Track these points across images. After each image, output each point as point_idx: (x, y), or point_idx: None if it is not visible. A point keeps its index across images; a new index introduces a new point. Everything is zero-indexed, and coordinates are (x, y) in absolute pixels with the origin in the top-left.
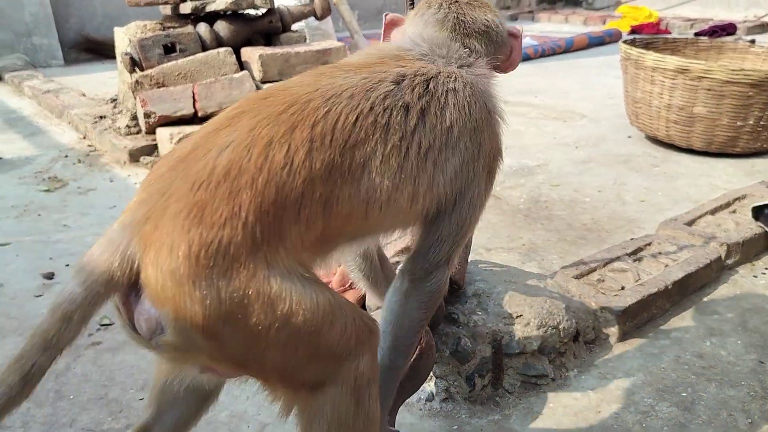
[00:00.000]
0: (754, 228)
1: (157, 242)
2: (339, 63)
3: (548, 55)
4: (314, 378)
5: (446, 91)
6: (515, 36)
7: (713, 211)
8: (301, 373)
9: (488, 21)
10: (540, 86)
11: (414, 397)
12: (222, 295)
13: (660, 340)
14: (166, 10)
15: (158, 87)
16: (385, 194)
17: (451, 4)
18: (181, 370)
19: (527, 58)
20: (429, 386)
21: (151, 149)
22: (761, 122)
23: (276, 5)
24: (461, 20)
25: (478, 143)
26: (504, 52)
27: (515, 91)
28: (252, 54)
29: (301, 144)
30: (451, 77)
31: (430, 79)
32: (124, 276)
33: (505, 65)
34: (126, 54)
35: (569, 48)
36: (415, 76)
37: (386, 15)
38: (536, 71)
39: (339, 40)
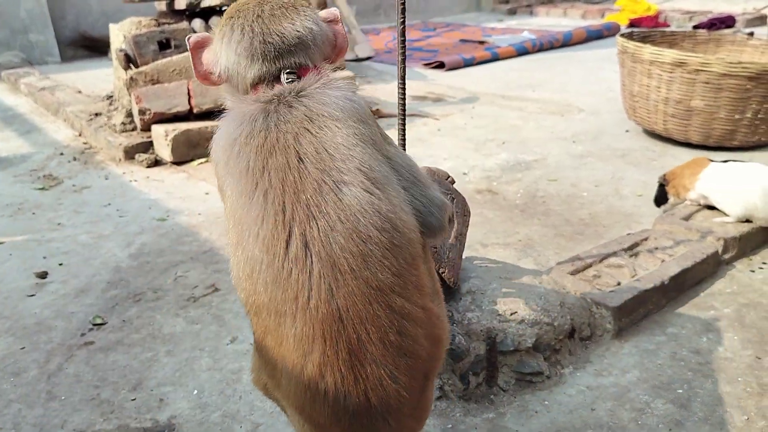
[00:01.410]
0: (750, 222)
1: None
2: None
3: (546, 49)
4: None
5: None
6: (334, 21)
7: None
8: None
9: (299, 30)
10: (538, 80)
11: None
12: None
13: (656, 336)
14: (161, 6)
15: (153, 83)
16: None
17: (253, 23)
18: None
19: (525, 52)
20: None
21: (147, 146)
22: (759, 115)
23: None
24: (269, 43)
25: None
26: (329, 43)
27: (514, 85)
28: None
29: None
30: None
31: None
32: None
33: (333, 55)
34: (120, 50)
35: (567, 42)
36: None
37: (189, 38)
38: (534, 65)
39: None
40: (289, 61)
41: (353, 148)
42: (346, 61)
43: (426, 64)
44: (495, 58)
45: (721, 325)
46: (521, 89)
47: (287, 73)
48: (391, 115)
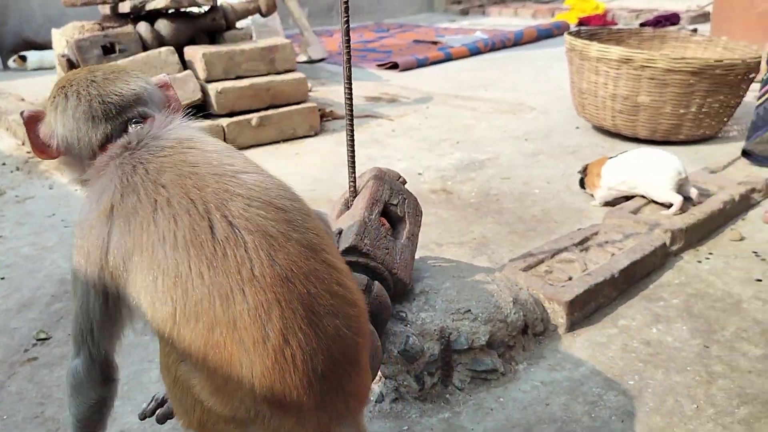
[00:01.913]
0: (697, 214)
1: None
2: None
3: (498, 49)
4: None
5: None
6: (165, 86)
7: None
8: None
9: (134, 89)
10: (490, 80)
11: None
12: None
13: (607, 329)
14: (105, 9)
15: None
16: None
17: (88, 87)
18: None
19: (478, 52)
20: (378, 387)
21: None
22: (703, 109)
23: (219, 3)
24: (109, 102)
25: None
26: (164, 106)
27: (467, 85)
28: (195, 53)
29: None
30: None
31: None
32: None
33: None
34: (63, 56)
35: (519, 41)
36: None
37: (22, 113)
38: (487, 65)
39: (288, 37)
40: (132, 113)
41: (230, 151)
42: (299, 63)
43: (380, 65)
44: (448, 59)
45: (670, 316)
46: (474, 89)
47: (134, 122)
48: (345, 117)
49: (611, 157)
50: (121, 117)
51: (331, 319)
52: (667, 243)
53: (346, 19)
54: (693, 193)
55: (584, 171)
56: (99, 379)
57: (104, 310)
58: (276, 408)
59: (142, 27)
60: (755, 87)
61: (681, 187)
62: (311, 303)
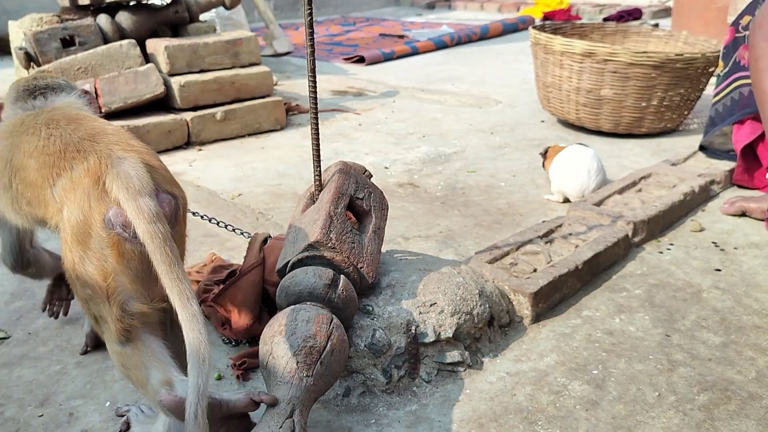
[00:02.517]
0: (658, 205)
1: (148, 156)
2: None
3: (464, 43)
4: None
5: None
6: (84, 92)
7: (620, 191)
8: None
9: (48, 82)
10: (457, 74)
11: (330, 394)
12: None
13: (572, 319)
14: (65, 1)
15: None
16: None
17: (18, 85)
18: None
19: (444, 46)
20: (346, 381)
21: None
22: (664, 102)
23: None
24: (27, 89)
25: None
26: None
27: (433, 79)
28: (158, 46)
29: None
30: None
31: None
32: None
33: None
34: (20, 49)
35: (485, 35)
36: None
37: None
38: (453, 59)
39: (253, 30)
40: (41, 92)
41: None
42: (264, 56)
43: (346, 59)
44: (414, 52)
45: (632, 306)
46: (441, 82)
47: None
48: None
49: (563, 147)
50: (32, 96)
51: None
52: (630, 234)
53: (309, 11)
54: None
55: (545, 154)
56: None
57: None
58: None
59: (103, 19)
60: (714, 81)
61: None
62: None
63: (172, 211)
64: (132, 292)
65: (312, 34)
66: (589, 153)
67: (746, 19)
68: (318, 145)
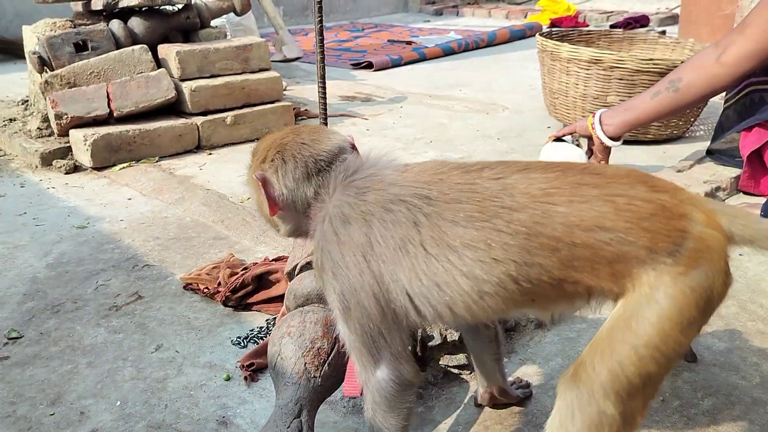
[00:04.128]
0: None
1: None
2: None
3: (472, 49)
4: None
5: None
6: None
7: None
8: None
9: (337, 143)
10: (464, 80)
11: (338, 395)
12: None
13: (577, 324)
14: (78, 6)
15: (70, 87)
16: None
17: (301, 149)
18: None
19: (452, 52)
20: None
21: (65, 152)
22: None
23: (193, 1)
24: (320, 161)
25: None
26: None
27: (441, 85)
28: (169, 51)
29: None
30: None
31: None
32: None
33: None
34: (34, 53)
35: (492, 42)
36: None
37: (257, 175)
38: (461, 65)
39: (263, 36)
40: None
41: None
42: (274, 62)
43: (354, 65)
44: (422, 59)
45: None
46: (448, 88)
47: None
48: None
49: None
50: (329, 169)
51: None
52: None
53: (319, 18)
54: None
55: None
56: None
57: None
58: None
59: (115, 24)
60: None
61: None
62: None
63: None
64: None
65: (322, 41)
66: (575, 152)
67: None
68: None
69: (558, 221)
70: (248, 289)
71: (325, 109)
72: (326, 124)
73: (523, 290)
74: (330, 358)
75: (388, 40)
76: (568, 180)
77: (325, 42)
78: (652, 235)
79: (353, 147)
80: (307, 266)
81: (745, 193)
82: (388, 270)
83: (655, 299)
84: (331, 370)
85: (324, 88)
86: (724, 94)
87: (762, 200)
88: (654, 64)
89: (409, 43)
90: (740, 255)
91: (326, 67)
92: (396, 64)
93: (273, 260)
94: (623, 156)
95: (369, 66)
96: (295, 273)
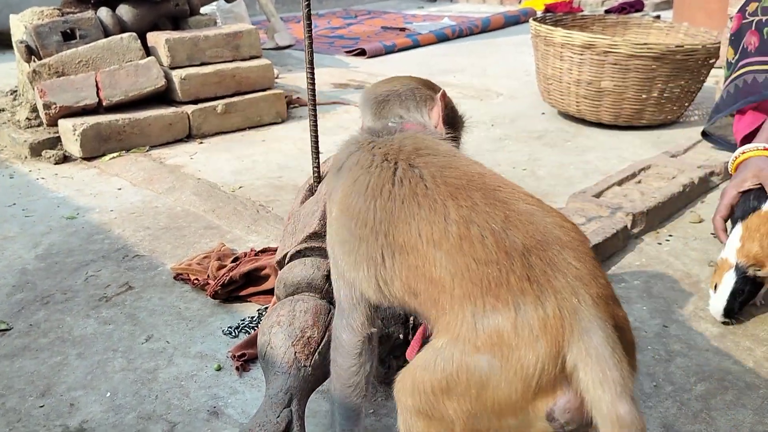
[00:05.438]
0: (657, 197)
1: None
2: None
3: (466, 35)
4: None
5: None
6: (435, 99)
7: (620, 182)
8: None
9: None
10: (458, 66)
11: (329, 384)
12: None
13: None
14: None
15: (58, 76)
16: None
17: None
18: None
19: (445, 39)
20: None
21: (54, 142)
22: (665, 94)
23: None
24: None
25: None
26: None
27: (435, 71)
28: (158, 39)
29: None
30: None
31: None
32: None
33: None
34: (21, 42)
35: (486, 27)
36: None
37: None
38: (455, 51)
39: (256, 23)
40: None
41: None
42: (266, 50)
43: (347, 52)
44: (416, 45)
45: (631, 297)
46: (442, 75)
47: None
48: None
49: None
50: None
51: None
52: (629, 226)
53: (307, 3)
54: None
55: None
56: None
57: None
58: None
59: (104, 12)
60: (715, 72)
61: None
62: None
63: None
64: None
65: (310, 26)
66: None
67: (753, 5)
68: (317, 136)
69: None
70: (237, 285)
71: (314, 96)
72: (315, 110)
73: None
74: (320, 347)
75: (382, 27)
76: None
77: (318, 29)
78: (474, 286)
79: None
80: (297, 255)
81: None
82: None
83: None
84: (322, 359)
85: (312, 73)
86: (722, 75)
87: None
88: (648, 48)
89: (402, 29)
90: None
91: (320, 54)
92: (389, 51)
93: (260, 252)
94: (617, 141)
95: (362, 53)
96: (285, 261)
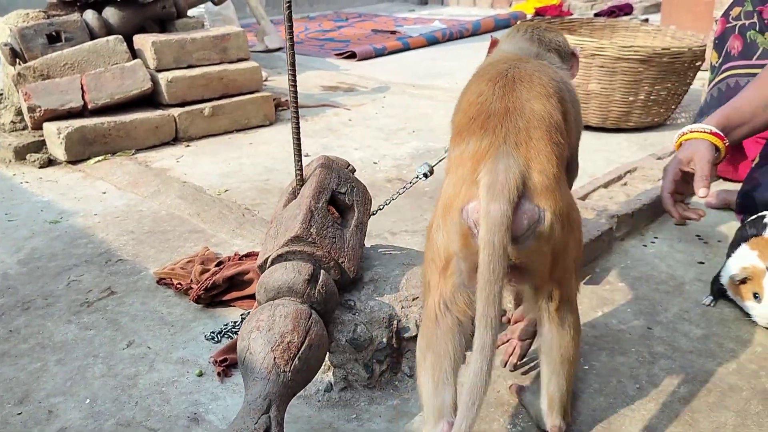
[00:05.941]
0: (643, 199)
1: (536, 158)
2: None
3: (456, 39)
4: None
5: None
6: (575, 55)
7: (606, 185)
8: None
9: (559, 42)
10: (448, 69)
11: (312, 389)
12: (566, 195)
13: None
14: None
15: (43, 79)
16: None
17: (533, 29)
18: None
19: (436, 42)
20: (327, 377)
21: (39, 146)
22: (651, 97)
23: None
24: (541, 39)
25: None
26: (568, 65)
27: (424, 74)
28: (145, 41)
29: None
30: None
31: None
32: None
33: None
34: (6, 45)
35: (477, 31)
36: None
37: (492, 36)
38: (445, 54)
39: (245, 26)
40: (548, 55)
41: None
42: (255, 52)
43: (338, 54)
44: (406, 48)
45: (615, 299)
46: (431, 78)
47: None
48: (302, 106)
49: None
50: (540, 52)
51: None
52: (614, 228)
53: (288, 4)
54: None
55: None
56: None
57: None
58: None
59: (89, 15)
60: (702, 75)
61: None
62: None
63: (531, 225)
64: (466, 280)
65: (291, 27)
66: None
67: (736, 10)
68: (299, 139)
69: None
70: (220, 289)
71: (296, 98)
72: (297, 113)
73: None
74: (300, 352)
75: (372, 30)
76: None
77: (308, 32)
78: (465, 124)
79: (574, 57)
80: (279, 258)
81: (724, 179)
82: None
83: None
84: (302, 364)
85: (294, 75)
86: (707, 78)
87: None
88: (635, 51)
89: (393, 32)
90: (719, 242)
91: (310, 57)
92: (379, 54)
93: (244, 255)
94: (604, 144)
95: (352, 56)
96: (267, 266)
